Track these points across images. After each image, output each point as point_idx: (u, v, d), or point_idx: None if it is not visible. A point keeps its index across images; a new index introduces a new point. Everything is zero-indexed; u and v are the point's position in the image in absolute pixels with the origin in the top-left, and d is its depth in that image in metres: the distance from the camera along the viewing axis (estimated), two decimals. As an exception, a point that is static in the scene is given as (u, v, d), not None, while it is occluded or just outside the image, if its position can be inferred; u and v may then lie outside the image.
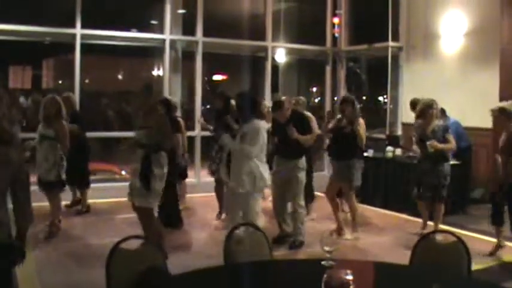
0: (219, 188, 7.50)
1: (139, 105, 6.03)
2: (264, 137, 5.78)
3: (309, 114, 7.66)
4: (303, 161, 6.59)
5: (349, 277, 2.37)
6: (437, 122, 6.83)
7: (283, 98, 7.74)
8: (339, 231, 7.05)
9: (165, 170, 5.70)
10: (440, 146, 6.71)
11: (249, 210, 5.65)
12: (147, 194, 5.54)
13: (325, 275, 2.40)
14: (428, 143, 6.66)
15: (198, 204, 8.75)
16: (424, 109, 6.87)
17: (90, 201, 8.47)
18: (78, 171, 7.85)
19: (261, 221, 5.71)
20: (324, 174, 10.32)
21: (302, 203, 6.63)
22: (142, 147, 5.59)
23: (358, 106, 7.04)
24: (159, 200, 5.77)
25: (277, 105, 6.68)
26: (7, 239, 3.04)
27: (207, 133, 8.97)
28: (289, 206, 6.82)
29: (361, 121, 7.02)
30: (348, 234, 7.06)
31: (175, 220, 7.23)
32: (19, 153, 3.12)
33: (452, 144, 6.84)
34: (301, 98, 8.38)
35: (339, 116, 7.16)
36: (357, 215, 7.17)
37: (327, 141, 7.76)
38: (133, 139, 5.89)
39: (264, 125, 5.94)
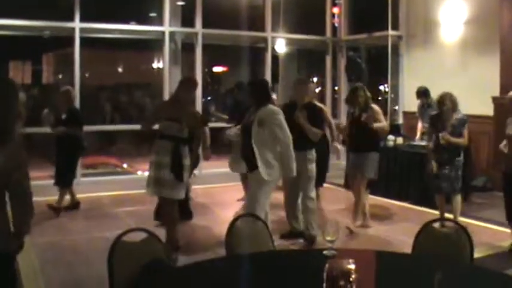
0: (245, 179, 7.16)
1: (173, 97, 5.92)
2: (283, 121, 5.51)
3: (322, 106, 7.40)
4: (312, 152, 6.30)
5: (351, 266, 2.36)
6: (456, 115, 6.63)
7: None
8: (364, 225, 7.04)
9: (189, 162, 5.70)
10: (453, 139, 6.54)
11: (256, 200, 5.39)
12: (179, 185, 5.55)
13: (326, 265, 2.39)
14: (440, 134, 6.56)
15: (203, 196, 8.73)
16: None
17: (92, 194, 8.49)
18: (64, 170, 7.67)
19: (265, 214, 5.40)
20: (338, 163, 10.22)
21: (312, 195, 6.34)
22: (172, 140, 5.54)
23: (368, 93, 6.88)
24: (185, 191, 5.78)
25: (301, 80, 6.53)
26: (3, 248, 2.96)
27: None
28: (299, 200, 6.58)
29: (376, 107, 6.87)
30: (350, 223, 6.97)
31: (186, 212, 7.15)
32: (14, 154, 2.94)
33: (464, 140, 6.64)
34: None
35: (350, 110, 7.04)
36: (361, 205, 7.04)
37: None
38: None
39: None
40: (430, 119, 7.04)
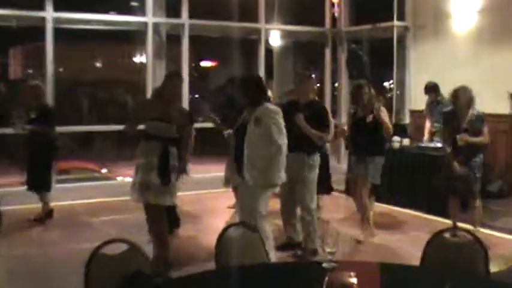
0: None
1: (158, 94, 5.94)
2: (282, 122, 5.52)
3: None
4: (313, 157, 6.27)
5: (353, 280, 2.37)
6: (472, 111, 6.63)
7: None
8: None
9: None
10: (472, 139, 6.54)
11: (253, 209, 5.40)
12: (167, 190, 5.55)
13: (326, 278, 2.39)
14: (458, 136, 6.55)
15: (190, 203, 8.71)
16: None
17: (67, 202, 8.46)
18: (39, 174, 7.65)
19: (266, 224, 5.51)
20: (339, 167, 10.28)
21: (312, 206, 6.32)
22: (161, 140, 5.56)
23: (372, 91, 6.93)
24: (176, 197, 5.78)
25: (303, 77, 6.56)
26: None
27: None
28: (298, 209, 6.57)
29: (382, 107, 6.87)
30: (360, 234, 7.01)
31: (173, 219, 7.10)
32: None
33: (484, 137, 6.65)
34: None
35: (351, 110, 7.09)
36: (368, 212, 7.07)
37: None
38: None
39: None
40: (444, 116, 6.99)
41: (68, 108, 14.62)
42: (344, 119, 12.05)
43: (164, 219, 5.79)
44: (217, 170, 9.15)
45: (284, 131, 5.42)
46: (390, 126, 6.99)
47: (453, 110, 6.75)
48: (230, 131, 7.00)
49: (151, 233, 5.90)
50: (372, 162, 6.84)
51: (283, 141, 5.38)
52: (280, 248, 6.41)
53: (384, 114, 6.85)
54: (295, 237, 6.55)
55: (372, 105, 6.79)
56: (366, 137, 6.82)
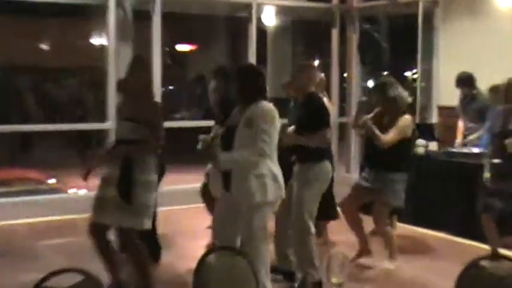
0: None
1: (126, 88, 5.99)
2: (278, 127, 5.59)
3: (326, 101, 7.28)
4: (317, 169, 6.31)
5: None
6: None
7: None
8: (364, 254, 7.09)
9: (154, 176, 5.74)
10: None
11: (251, 232, 5.42)
12: (128, 208, 5.52)
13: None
14: (507, 141, 6.57)
15: (162, 222, 8.67)
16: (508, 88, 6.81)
17: (3, 222, 8.42)
18: None
19: (267, 248, 5.57)
20: (348, 177, 10.31)
21: (308, 225, 6.29)
22: (126, 145, 5.60)
23: (400, 93, 6.95)
24: (148, 218, 5.73)
25: (300, 67, 6.68)
26: None
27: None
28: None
29: (406, 118, 6.94)
30: (386, 263, 7.06)
31: (153, 248, 7.07)
32: None
33: None
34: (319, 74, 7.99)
35: (376, 109, 7.08)
36: (391, 238, 7.13)
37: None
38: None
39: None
40: (504, 117, 6.97)
41: (5, 102, 14.58)
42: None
43: (139, 244, 5.77)
44: (194, 181, 9.12)
45: (275, 140, 5.48)
46: (384, 140, 6.79)
47: (509, 108, 6.77)
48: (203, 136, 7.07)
49: (105, 260, 5.86)
50: (390, 180, 6.88)
51: (273, 153, 5.48)
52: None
53: (401, 125, 6.86)
54: (285, 263, 6.61)
55: (398, 109, 6.83)
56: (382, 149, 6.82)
